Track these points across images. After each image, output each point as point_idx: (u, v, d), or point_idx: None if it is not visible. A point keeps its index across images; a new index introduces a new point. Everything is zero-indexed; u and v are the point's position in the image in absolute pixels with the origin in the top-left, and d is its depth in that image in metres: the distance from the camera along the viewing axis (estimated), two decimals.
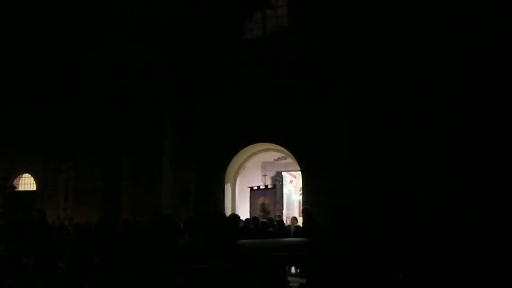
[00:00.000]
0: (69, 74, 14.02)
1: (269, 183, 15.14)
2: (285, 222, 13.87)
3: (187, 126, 13.74)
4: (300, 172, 13.91)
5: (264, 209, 13.92)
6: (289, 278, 8.52)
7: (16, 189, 14.71)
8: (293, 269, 9.78)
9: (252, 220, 10.52)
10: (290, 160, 14.34)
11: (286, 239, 8.60)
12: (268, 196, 14.14)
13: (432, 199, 10.52)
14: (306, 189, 12.98)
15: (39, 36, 14.16)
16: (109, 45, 13.35)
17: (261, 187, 14.44)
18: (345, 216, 7.56)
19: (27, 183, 15.19)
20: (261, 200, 14.04)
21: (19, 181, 15.09)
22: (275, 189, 14.34)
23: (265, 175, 14.63)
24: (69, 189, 13.95)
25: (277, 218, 11.88)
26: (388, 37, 11.82)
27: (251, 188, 14.31)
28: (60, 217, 11.85)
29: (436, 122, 11.13)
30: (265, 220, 10.90)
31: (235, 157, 13.81)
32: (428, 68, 11.38)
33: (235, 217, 10.12)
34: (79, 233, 9.67)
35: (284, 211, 15.45)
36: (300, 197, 16.16)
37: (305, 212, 9.47)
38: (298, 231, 10.19)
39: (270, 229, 9.76)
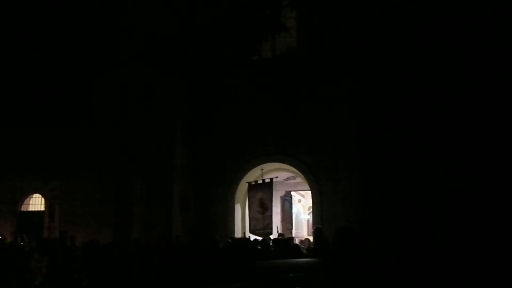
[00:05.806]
0: (82, 98, 14.23)
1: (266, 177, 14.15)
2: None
3: (198, 147, 13.84)
4: (309, 192, 13.92)
5: (262, 204, 13.55)
6: None
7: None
8: None
9: (261, 241, 10.48)
10: (300, 179, 14.35)
11: (297, 259, 8.55)
12: (265, 191, 13.67)
13: (447, 214, 10.42)
14: (316, 208, 13.01)
15: (53, 63, 14.37)
16: (120, 67, 13.49)
17: (259, 182, 13.93)
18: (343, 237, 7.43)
19: (37, 203, 15.27)
20: (259, 195, 13.66)
21: (29, 201, 15.18)
22: (271, 182, 13.69)
23: (262, 169, 13.99)
24: (77, 210, 14.03)
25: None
26: (395, 45, 11.75)
27: (249, 183, 13.99)
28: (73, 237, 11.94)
29: (451, 137, 11.00)
30: (280, 238, 10.84)
31: (244, 177, 13.88)
32: (440, 75, 11.27)
33: (245, 239, 10.11)
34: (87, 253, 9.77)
35: (293, 231, 15.39)
36: (309, 217, 16.11)
37: (317, 232, 9.39)
38: (309, 251, 10.11)
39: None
